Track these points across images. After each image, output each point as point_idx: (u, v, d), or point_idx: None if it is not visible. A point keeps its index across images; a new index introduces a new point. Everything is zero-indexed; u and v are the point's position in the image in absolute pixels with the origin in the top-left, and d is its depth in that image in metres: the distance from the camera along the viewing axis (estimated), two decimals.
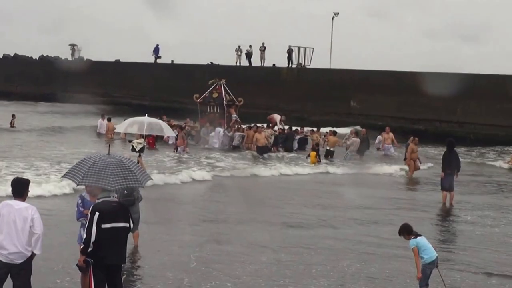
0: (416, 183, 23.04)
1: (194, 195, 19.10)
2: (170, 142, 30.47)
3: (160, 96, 52.37)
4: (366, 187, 21.38)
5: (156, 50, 57.97)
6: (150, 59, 58.10)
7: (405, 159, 25.39)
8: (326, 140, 29.86)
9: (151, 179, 8.65)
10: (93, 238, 7.39)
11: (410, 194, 21.04)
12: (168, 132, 20.47)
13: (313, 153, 26.96)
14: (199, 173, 22.03)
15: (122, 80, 53.33)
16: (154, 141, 29.12)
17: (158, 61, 58.02)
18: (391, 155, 30.38)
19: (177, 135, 28.01)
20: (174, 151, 28.08)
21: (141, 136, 18.45)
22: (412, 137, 25.83)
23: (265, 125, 33.43)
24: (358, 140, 29.16)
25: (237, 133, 30.82)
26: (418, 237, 9.44)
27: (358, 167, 25.93)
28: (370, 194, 19.66)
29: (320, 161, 27.12)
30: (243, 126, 31.71)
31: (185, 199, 18.37)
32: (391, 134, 31.34)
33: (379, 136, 32.16)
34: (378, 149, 31.45)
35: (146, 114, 18.80)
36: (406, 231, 9.52)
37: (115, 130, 26.79)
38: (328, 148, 29.08)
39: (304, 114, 44.46)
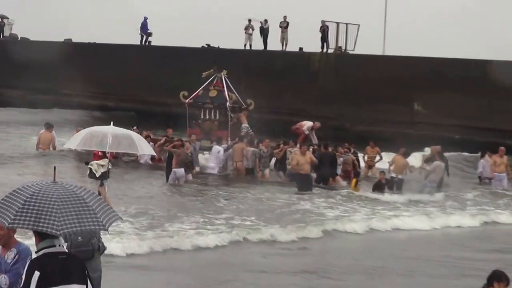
0: None
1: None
2: (142, 161, 31.34)
3: (133, 94, 52.82)
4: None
5: (144, 26, 58.58)
6: (118, 38, 58.41)
7: None
8: (391, 164, 30.13)
9: (120, 218, 8.54)
10: None
11: None
12: (144, 149, 20.16)
13: (354, 180, 29.41)
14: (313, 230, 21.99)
15: (75, 69, 53.52)
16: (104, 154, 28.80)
17: (148, 43, 58.87)
18: (506, 189, 30.37)
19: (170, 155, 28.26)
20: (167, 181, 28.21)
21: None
22: None
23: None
24: (442, 164, 29.32)
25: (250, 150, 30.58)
26: None
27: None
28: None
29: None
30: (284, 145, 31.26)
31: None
32: (505, 158, 31.19)
33: (482, 161, 32.22)
34: (480, 178, 31.74)
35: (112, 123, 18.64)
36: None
37: (65, 147, 26.01)
38: (393, 175, 29.44)
39: (345, 122, 44.86)
